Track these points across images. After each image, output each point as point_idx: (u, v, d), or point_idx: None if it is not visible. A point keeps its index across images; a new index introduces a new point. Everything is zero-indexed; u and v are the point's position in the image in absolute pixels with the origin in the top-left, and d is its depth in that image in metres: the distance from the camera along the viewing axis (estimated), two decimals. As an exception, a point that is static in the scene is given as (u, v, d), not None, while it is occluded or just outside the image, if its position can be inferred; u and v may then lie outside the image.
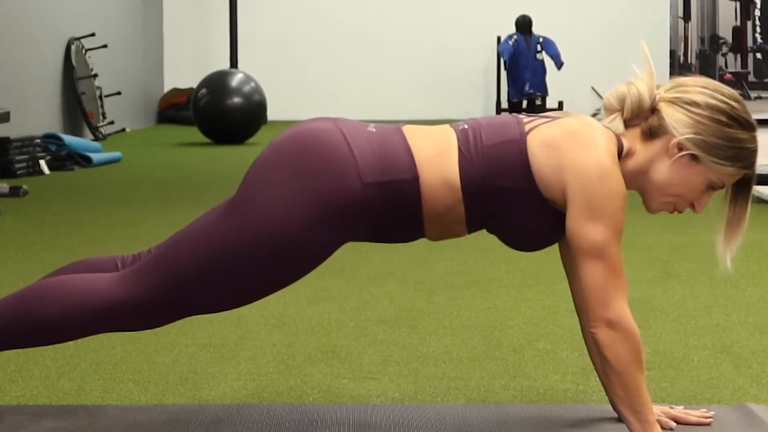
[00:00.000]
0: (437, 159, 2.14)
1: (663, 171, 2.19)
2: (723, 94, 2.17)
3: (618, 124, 2.20)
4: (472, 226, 2.20)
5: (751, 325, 3.42)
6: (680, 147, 2.16)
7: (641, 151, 2.19)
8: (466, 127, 2.20)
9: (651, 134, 2.19)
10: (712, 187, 2.20)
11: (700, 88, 2.18)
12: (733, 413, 2.43)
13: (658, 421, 2.30)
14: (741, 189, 2.23)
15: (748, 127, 2.17)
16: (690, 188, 2.19)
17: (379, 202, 2.11)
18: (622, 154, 2.18)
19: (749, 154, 2.18)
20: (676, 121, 2.16)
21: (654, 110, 2.19)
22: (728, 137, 2.15)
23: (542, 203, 2.15)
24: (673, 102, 2.18)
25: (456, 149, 2.15)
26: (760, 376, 2.88)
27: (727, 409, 2.47)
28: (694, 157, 2.16)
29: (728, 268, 2.24)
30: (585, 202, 2.09)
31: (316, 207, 2.08)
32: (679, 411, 2.36)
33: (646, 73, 2.21)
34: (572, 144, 2.12)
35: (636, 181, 2.21)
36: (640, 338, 2.12)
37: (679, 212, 2.25)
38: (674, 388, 2.76)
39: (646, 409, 2.13)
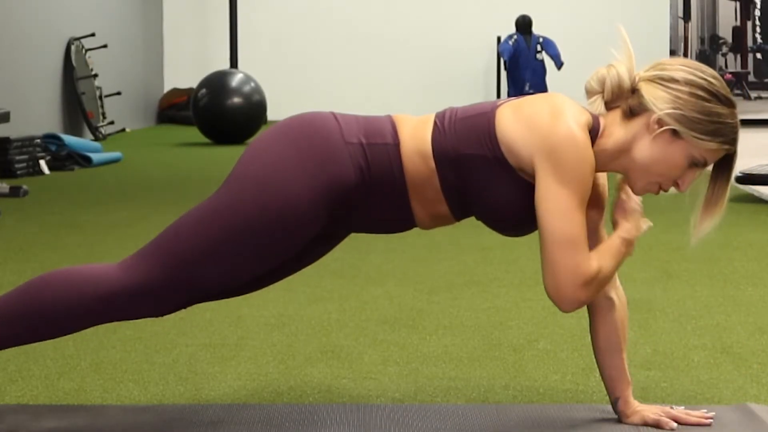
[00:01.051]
0: (415, 131, 2.23)
1: (645, 148, 2.21)
2: (701, 71, 2.21)
3: (599, 106, 2.24)
4: (454, 206, 2.24)
5: (751, 325, 3.42)
6: (660, 122, 2.19)
7: (622, 130, 2.23)
8: (446, 109, 2.29)
9: (631, 113, 2.23)
10: (695, 164, 2.21)
11: (679, 65, 2.22)
12: (733, 413, 2.43)
13: (659, 421, 2.31)
14: (722, 168, 2.26)
15: (727, 102, 2.20)
16: (673, 165, 2.21)
17: (362, 161, 2.18)
18: (598, 133, 2.21)
19: (730, 130, 2.20)
20: (656, 97, 2.19)
21: (634, 91, 2.22)
22: (708, 111, 2.17)
23: (512, 174, 2.19)
24: (652, 80, 2.21)
25: (432, 123, 2.24)
26: (760, 376, 2.88)
27: (727, 409, 2.47)
28: (675, 133, 2.19)
29: (695, 244, 2.26)
30: (552, 167, 2.14)
31: (306, 170, 2.15)
32: (680, 411, 2.36)
33: (625, 56, 2.24)
34: (541, 113, 2.18)
35: (618, 161, 2.23)
36: (605, 272, 2.20)
37: (665, 191, 2.26)
38: (674, 388, 2.76)
39: (618, 244, 2.25)
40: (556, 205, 2.13)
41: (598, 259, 2.18)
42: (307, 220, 2.17)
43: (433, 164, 2.20)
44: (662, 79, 2.20)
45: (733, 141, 2.21)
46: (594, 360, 2.41)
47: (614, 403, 2.37)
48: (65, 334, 2.24)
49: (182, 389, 2.75)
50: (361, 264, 4.37)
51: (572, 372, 2.90)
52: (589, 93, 2.26)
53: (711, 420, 2.35)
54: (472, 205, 2.24)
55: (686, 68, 2.21)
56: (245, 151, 2.24)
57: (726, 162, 2.25)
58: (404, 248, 4.70)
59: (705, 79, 2.19)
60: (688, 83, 2.18)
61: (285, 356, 3.07)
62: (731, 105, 2.21)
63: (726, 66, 16.72)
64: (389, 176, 2.20)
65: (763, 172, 6.49)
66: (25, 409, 2.49)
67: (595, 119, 2.22)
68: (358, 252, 4.48)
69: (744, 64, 16.86)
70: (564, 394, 2.72)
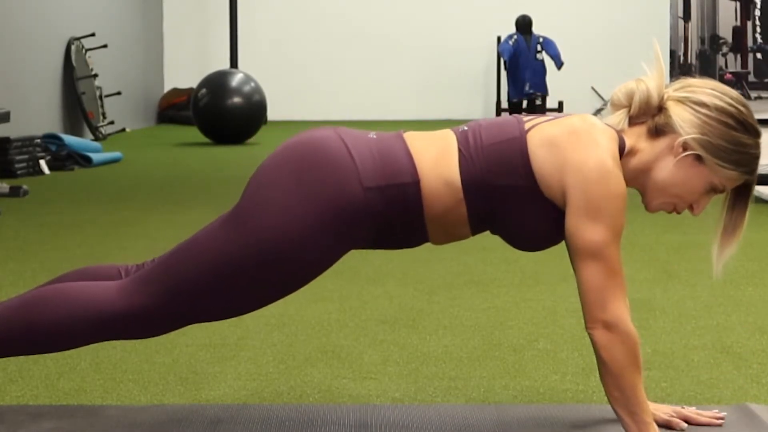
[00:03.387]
0: (438, 161, 2.14)
1: (666, 170, 2.18)
2: (731, 98, 2.17)
3: (623, 120, 2.20)
4: (475, 228, 2.19)
5: (751, 325, 3.42)
6: (685, 146, 2.16)
7: (645, 149, 2.19)
8: (466, 129, 2.20)
9: (657, 132, 2.18)
10: (713, 190, 2.19)
11: (709, 89, 2.18)
12: (733, 413, 2.43)
13: (670, 421, 2.30)
14: (740, 195, 2.23)
15: (753, 132, 2.17)
16: (691, 190, 2.19)
17: (380, 206, 2.11)
18: (624, 153, 2.17)
19: (752, 160, 2.18)
20: (684, 120, 2.15)
21: (661, 109, 2.19)
22: (734, 140, 2.15)
23: (543, 202, 2.14)
24: (681, 101, 2.17)
25: (456, 150, 2.15)
26: (760, 376, 2.88)
27: (727, 409, 2.47)
28: (698, 158, 2.16)
29: (719, 274, 2.25)
30: (585, 201, 2.09)
31: (318, 215, 2.08)
32: (691, 411, 2.35)
33: (656, 72, 2.20)
34: (573, 143, 2.12)
35: (638, 179, 2.20)
36: (637, 340, 2.12)
37: (678, 213, 2.25)
38: (674, 388, 2.76)
39: (642, 410, 2.12)
40: (589, 241, 2.09)
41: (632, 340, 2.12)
42: (318, 267, 2.14)
43: (461, 195, 2.13)
44: (692, 101, 2.16)
45: (753, 171, 2.19)
46: (595, 360, 2.41)
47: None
48: (61, 351, 2.23)
49: (182, 389, 2.75)
50: (361, 264, 4.37)
51: (572, 372, 2.90)
52: (615, 105, 2.22)
53: (722, 420, 2.34)
54: (496, 228, 2.20)
55: (716, 93, 2.17)
56: (254, 181, 2.14)
57: (744, 189, 2.22)
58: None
59: (734, 107, 2.15)
60: (718, 109, 2.15)
61: (285, 356, 3.07)
62: (757, 135, 2.18)
63: (726, 66, 16.72)
64: (407, 213, 2.13)
65: (763, 172, 6.48)
66: (25, 409, 2.49)
67: (621, 139, 2.17)
68: (358, 252, 4.46)
69: (744, 64, 16.85)
70: (564, 394, 2.71)
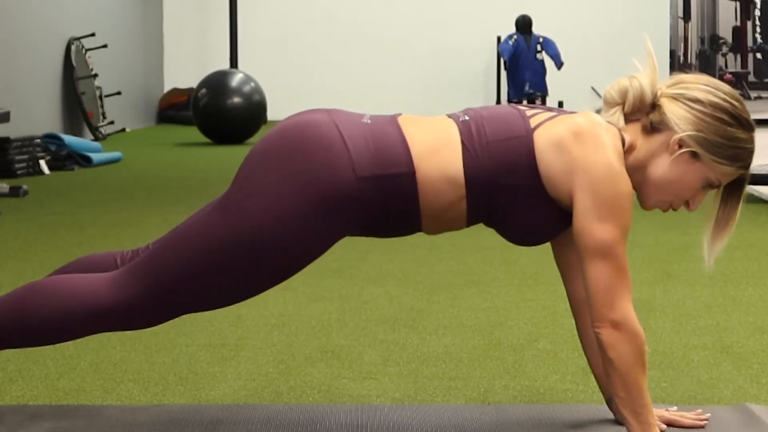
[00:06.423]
0: (438, 153, 2.12)
1: (662, 167, 2.18)
2: (725, 93, 2.17)
3: (618, 118, 2.19)
4: (471, 221, 2.19)
5: (751, 325, 3.42)
6: (681, 144, 2.16)
7: (641, 146, 2.19)
8: (467, 119, 2.17)
9: (652, 129, 2.18)
10: (708, 185, 2.20)
11: (702, 85, 2.18)
12: (733, 413, 2.43)
13: None
14: (734, 189, 2.23)
15: (748, 127, 2.18)
16: (687, 186, 2.19)
17: (374, 197, 2.10)
18: (624, 150, 2.17)
19: (747, 155, 2.19)
20: (679, 117, 2.15)
21: (655, 105, 2.18)
22: (729, 136, 2.15)
23: (546, 200, 2.14)
24: (675, 98, 2.17)
25: (459, 143, 2.13)
26: (760, 376, 2.88)
27: (727, 409, 2.47)
28: (694, 155, 2.16)
29: (710, 267, 2.25)
30: (593, 201, 2.09)
31: (310, 202, 2.07)
32: (674, 414, 2.35)
33: (648, 68, 2.19)
34: (580, 144, 2.11)
35: (634, 176, 2.19)
36: (644, 339, 2.12)
37: (674, 210, 2.25)
38: (674, 388, 2.76)
39: (647, 411, 2.13)
40: (599, 240, 2.09)
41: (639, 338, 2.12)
42: (307, 255, 2.12)
43: (463, 191, 2.11)
44: (686, 98, 2.15)
45: (748, 165, 2.19)
46: (594, 360, 2.41)
47: (608, 402, 2.36)
48: (57, 343, 2.23)
49: (182, 389, 2.75)
50: (361, 264, 4.37)
51: (572, 372, 2.90)
52: (609, 104, 2.21)
53: (706, 422, 2.34)
54: (493, 223, 2.19)
55: (709, 88, 2.16)
56: (246, 166, 2.12)
57: (738, 183, 2.22)
58: (404, 248, 4.70)
59: (728, 102, 2.15)
60: (712, 105, 2.14)
61: (285, 356, 3.07)
62: (751, 129, 2.18)
63: (726, 66, 16.71)
64: (401, 205, 2.11)
65: (763, 172, 6.49)
66: (25, 409, 2.49)
67: (622, 137, 2.17)
68: (358, 252, 4.47)
69: (744, 64, 16.85)
70: (564, 394, 2.71)
